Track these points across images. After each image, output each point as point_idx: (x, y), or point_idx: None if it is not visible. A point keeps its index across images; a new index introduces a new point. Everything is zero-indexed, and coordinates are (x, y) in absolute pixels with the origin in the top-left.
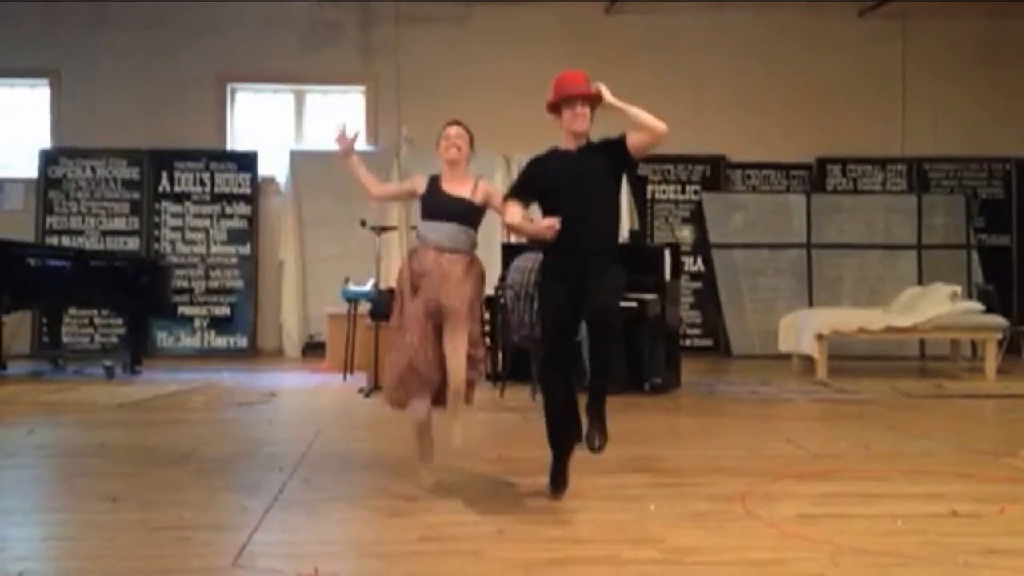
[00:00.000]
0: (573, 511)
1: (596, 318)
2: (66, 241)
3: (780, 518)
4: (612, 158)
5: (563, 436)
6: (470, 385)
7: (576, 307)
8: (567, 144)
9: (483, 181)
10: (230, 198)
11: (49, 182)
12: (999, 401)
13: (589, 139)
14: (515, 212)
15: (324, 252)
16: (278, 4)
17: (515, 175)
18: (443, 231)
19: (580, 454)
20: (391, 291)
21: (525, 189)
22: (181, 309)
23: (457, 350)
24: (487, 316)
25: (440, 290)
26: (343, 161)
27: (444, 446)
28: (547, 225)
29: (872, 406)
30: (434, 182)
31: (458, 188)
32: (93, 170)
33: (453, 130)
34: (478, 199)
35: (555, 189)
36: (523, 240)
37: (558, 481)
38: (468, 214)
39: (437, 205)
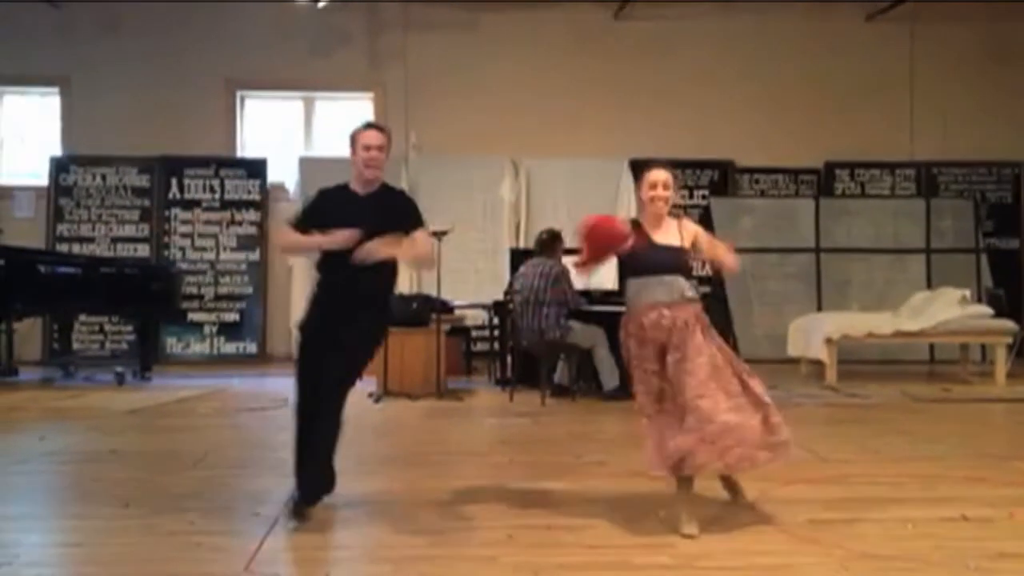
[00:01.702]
0: (584, 516)
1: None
2: (76, 248)
3: (790, 523)
4: (401, 222)
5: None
6: None
7: (326, 342)
8: (355, 185)
9: (686, 220)
10: (239, 204)
11: (60, 189)
12: (1009, 405)
13: (384, 184)
14: (290, 233)
15: None
16: (287, 11)
17: (523, 180)
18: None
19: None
20: (402, 297)
21: (309, 222)
22: (191, 315)
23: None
24: (496, 321)
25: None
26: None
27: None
28: (345, 236)
29: (881, 410)
30: (639, 231)
31: (666, 235)
32: (103, 177)
33: (663, 176)
34: (688, 243)
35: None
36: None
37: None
38: (684, 263)
39: (650, 258)
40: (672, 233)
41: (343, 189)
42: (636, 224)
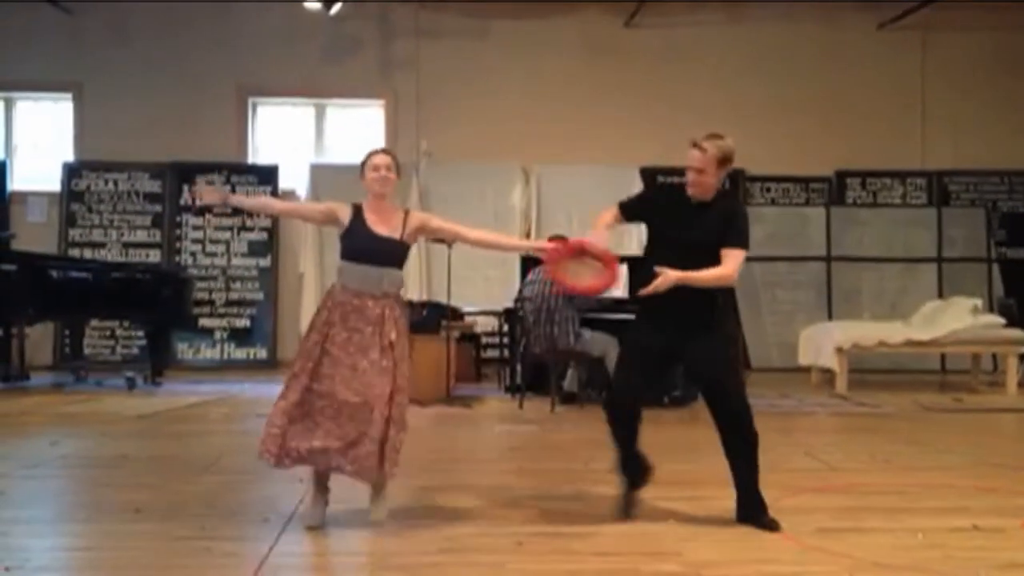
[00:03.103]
0: (593, 524)
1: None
2: (88, 254)
3: (799, 531)
4: (721, 238)
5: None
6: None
7: (663, 360)
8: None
9: (413, 211)
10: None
11: (72, 195)
12: (1020, 415)
13: (721, 196)
14: (607, 217)
15: None
16: (299, 18)
17: (533, 187)
18: (369, 276)
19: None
20: (411, 304)
21: (639, 209)
22: (202, 321)
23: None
24: (506, 328)
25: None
26: (222, 205)
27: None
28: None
29: (892, 420)
30: (358, 215)
31: (387, 224)
32: (115, 183)
33: (381, 159)
34: (409, 236)
35: (663, 230)
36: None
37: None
38: (399, 256)
39: (364, 246)
40: (395, 223)
41: (681, 191)
42: (359, 208)
